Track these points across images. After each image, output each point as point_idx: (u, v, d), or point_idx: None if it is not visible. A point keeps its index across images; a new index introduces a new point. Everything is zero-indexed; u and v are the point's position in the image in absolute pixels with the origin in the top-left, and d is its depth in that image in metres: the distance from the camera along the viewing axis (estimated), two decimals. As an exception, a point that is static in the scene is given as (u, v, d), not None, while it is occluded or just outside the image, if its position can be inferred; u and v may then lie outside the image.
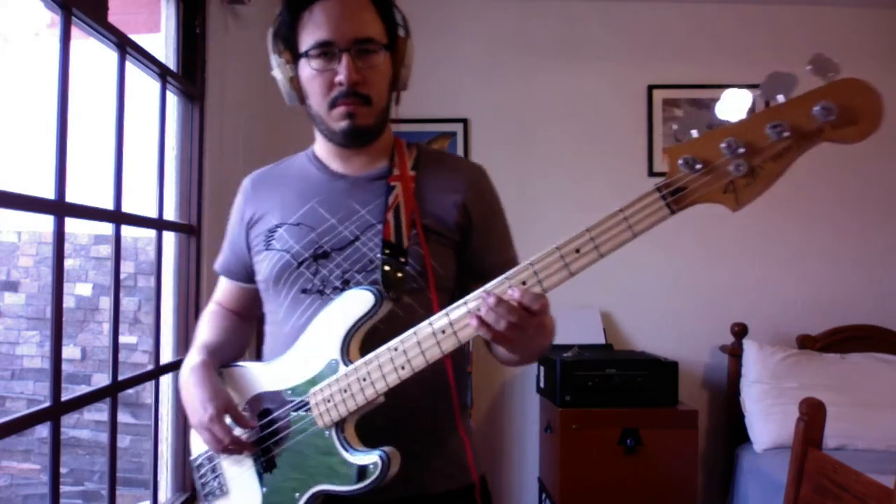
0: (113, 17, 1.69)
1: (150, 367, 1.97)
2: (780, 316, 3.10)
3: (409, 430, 1.07)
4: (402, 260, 1.09)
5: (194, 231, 2.15)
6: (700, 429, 2.76)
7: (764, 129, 0.78)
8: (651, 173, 3.11)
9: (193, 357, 1.17)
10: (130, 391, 2.60)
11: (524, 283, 0.89)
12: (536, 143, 3.12)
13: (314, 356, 1.05)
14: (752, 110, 0.80)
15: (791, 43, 3.09)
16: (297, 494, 1.05)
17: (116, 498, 1.75)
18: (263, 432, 1.10)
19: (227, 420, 1.08)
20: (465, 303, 0.93)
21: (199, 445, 1.20)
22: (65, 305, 1.53)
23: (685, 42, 3.15)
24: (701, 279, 3.11)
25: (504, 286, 0.90)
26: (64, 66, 1.46)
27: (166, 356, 2.07)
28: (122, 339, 3.28)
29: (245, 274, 1.25)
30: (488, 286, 0.91)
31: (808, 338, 3.01)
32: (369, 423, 1.03)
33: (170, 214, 2.09)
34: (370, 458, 0.98)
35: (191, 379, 1.13)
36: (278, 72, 1.15)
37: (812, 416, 1.44)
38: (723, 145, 0.80)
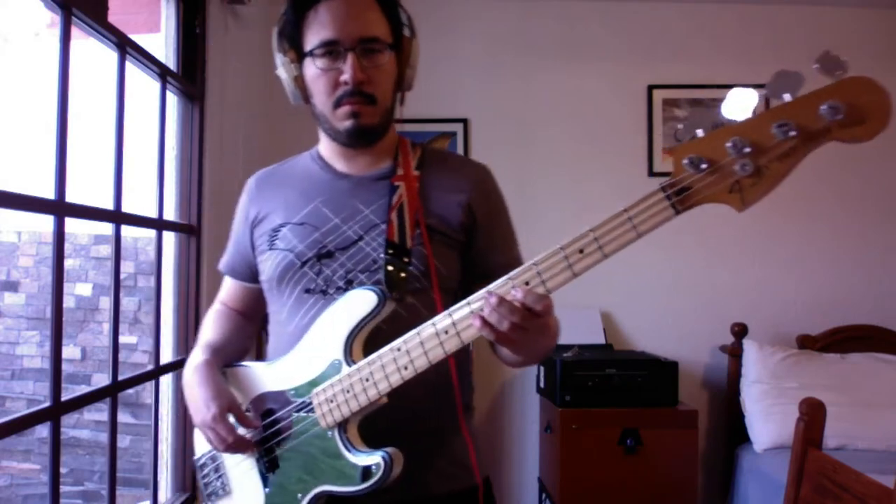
0: (113, 17, 1.69)
1: (150, 367, 1.97)
2: (780, 316, 3.09)
3: (412, 430, 1.06)
4: (406, 260, 1.08)
5: (194, 231, 2.15)
6: (700, 429, 2.75)
7: (770, 128, 0.77)
8: (651, 173, 3.11)
9: (197, 356, 1.17)
10: (130, 391, 2.60)
11: (527, 283, 0.89)
12: (536, 143, 3.12)
13: (317, 356, 1.05)
14: (765, 107, 0.79)
15: (791, 43, 3.09)
16: (299, 495, 1.05)
17: (116, 498, 1.75)
18: (266, 432, 1.10)
19: (231, 420, 1.08)
20: (469, 303, 0.93)
21: (202, 445, 1.20)
22: (65, 305, 1.53)
23: (685, 42, 3.15)
24: (701, 279, 3.11)
25: (507, 286, 0.89)
26: (64, 66, 1.46)
27: (166, 356, 2.07)
28: (122, 339, 3.28)
29: (249, 273, 1.25)
30: (491, 286, 0.91)
31: (808, 338, 3.01)
32: (372, 424, 1.03)
33: (170, 214, 2.09)
34: (373, 458, 0.98)
35: (194, 378, 1.12)
36: (283, 71, 1.15)
37: (812, 416, 1.44)
38: (728, 145, 0.79)
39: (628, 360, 2.65)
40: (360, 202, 1.13)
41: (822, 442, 1.44)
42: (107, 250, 3.51)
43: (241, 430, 1.10)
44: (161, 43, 2.11)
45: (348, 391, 1.00)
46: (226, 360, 1.19)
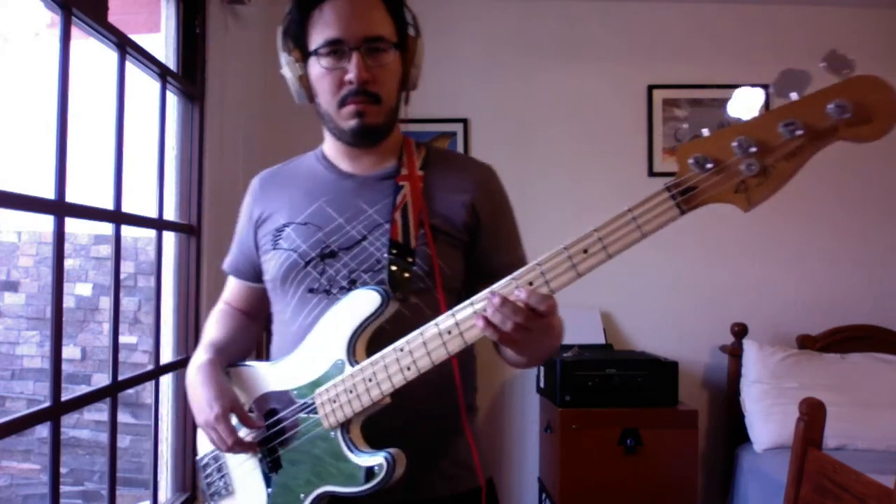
0: (113, 17, 1.69)
1: (150, 367, 1.97)
2: (780, 316, 3.09)
3: (415, 431, 1.06)
4: (410, 260, 1.08)
5: (194, 231, 2.15)
6: (700, 429, 2.75)
7: (776, 127, 0.76)
8: (651, 173, 3.11)
9: (200, 356, 1.17)
10: (130, 391, 2.60)
11: (531, 283, 0.88)
12: (536, 143, 3.12)
13: (320, 356, 1.05)
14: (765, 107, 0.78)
15: (791, 43, 3.09)
16: (302, 495, 1.05)
17: (116, 498, 1.75)
18: (269, 432, 1.10)
19: (233, 420, 1.08)
20: (472, 303, 0.92)
21: (205, 445, 1.20)
22: (65, 305, 1.53)
23: (685, 42, 3.15)
24: (701, 279, 3.11)
25: (511, 287, 0.89)
26: (64, 66, 1.46)
27: (166, 356, 2.07)
28: (122, 339, 3.28)
29: (253, 273, 1.25)
30: (495, 287, 0.90)
31: (808, 338, 3.01)
32: (375, 425, 1.02)
33: (170, 214, 2.09)
34: (375, 459, 0.98)
35: (197, 378, 1.12)
36: (287, 70, 1.14)
37: (812, 416, 1.44)
38: (734, 144, 0.78)
39: (628, 360, 2.65)
40: (364, 202, 1.13)
41: (822, 442, 1.44)
42: (107, 250, 3.51)
43: (244, 431, 1.10)
44: (161, 43, 2.11)
45: (351, 391, 0.99)
46: (229, 359, 1.19)
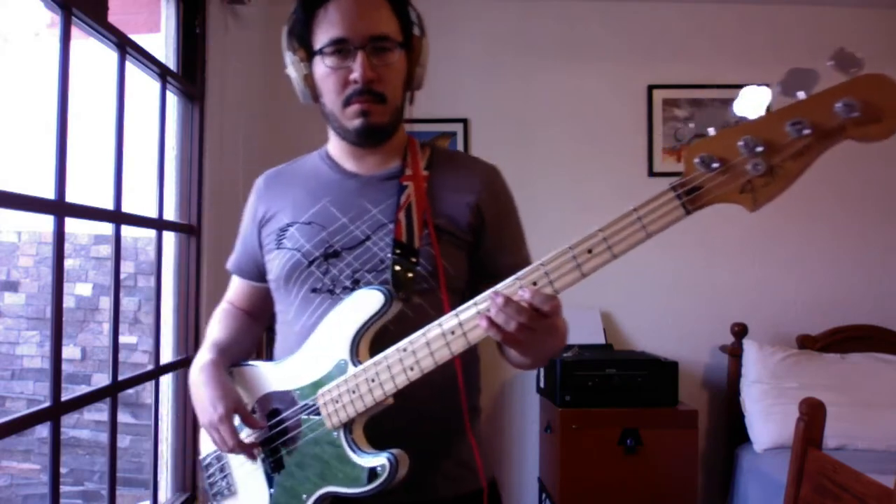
0: (113, 17, 1.69)
1: (150, 367, 1.97)
2: (780, 316, 3.09)
3: (418, 432, 1.06)
4: (413, 260, 1.08)
5: (194, 231, 2.15)
6: (700, 429, 2.75)
7: (783, 126, 0.75)
8: (651, 173, 3.11)
9: (203, 356, 1.16)
10: (130, 391, 2.60)
11: (535, 283, 0.87)
12: (536, 143, 3.12)
13: (323, 356, 1.04)
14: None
15: (791, 43, 3.09)
16: (304, 496, 1.05)
17: (116, 498, 1.75)
18: (272, 432, 1.10)
19: (236, 420, 1.08)
20: (475, 303, 0.92)
21: (208, 445, 1.20)
22: (65, 305, 1.53)
23: (685, 42, 3.15)
24: (701, 279, 3.11)
25: (515, 287, 0.88)
26: (64, 66, 1.46)
27: (166, 356, 2.07)
28: (122, 339, 3.28)
29: (257, 273, 1.25)
30: (499, 287, 0.90)
31: (808, 338, 3.01)
32: (378, 425, 1.02)
33: (170, 214, 2.09)
34: (378, 460, 0.97)
35: (200, 378, 1.12)
36: (292, 70, 1.14)
37: (812, 416, 1.44)
38: (740, 143, 0.77)
39: (628, 360, 2.65)
40: (368, 202, 1.13)
41: (822, 442, 1.44)
42: (107, 250, 3.51)
43: (247, 431, 1.10)
44: (161, 43, 2.11)
45: (354, 392, 0.99)
46: (232, 359, 1.19)
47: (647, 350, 3.00)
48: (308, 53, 1.11)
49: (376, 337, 1.02)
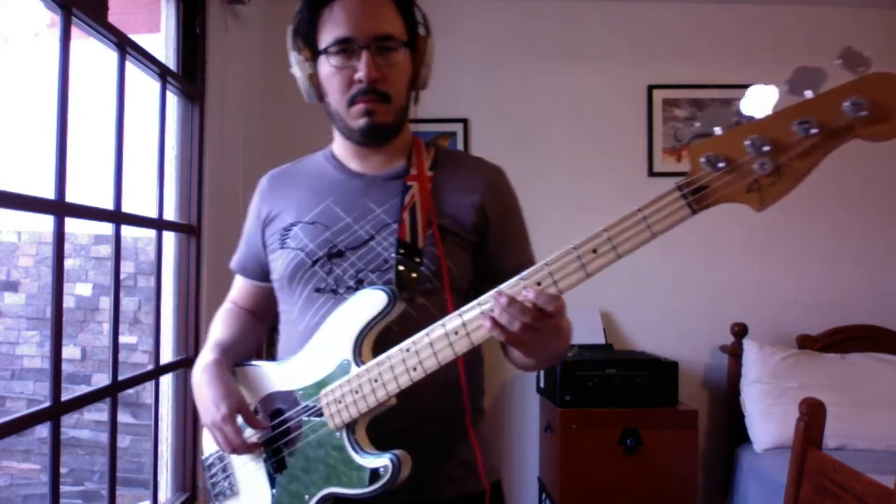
0: (113, 17, 1.69)
1: (150, 367, 1.97)
2: (780, 316, 3.09)
3: (421, 432, 1.05)
4: (417, 260, 1.07)
5: (194, 231, 2.15)
6: (700, 429, 2.75)
7: (791, 125, 0.75)
8: (651, 173, 3.11)
9: (206, 355, 1.16)
10: (130, 391, 2.60)
11: (539, 283, 0.87)
12: (536, 143, 3.12)
13: (326, 356, 1.04)
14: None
15: (791, 43, 3.09)
16: (306, 496, 1.04)
17: (116, 498, 1.75)
18: (274, 432, 1.09)
19: (239, 419, 1.08)
20: (479, 304, 0.91)
21: (210, 445, 1.20)
22: (65, 305, 1.53)
23: (685, 42, 3.15)
24: (701, 279, 3.11)
25: (519, 287, 0.88)
26: (64, 66, 1.46)
27: (166, 356, 2.07)
28: (122, 339, 3.27)
29: (260, 272, 1.24)
30: (503, 287, 0.89)
31: (808, 338, 3.01)
32: (381, 426, 1.02)
33: (170, 214, 2.09)
34: (381, 461, 0.97)
35: (203, 377, 1.12)
36: (297, 69, 1.14)
37: (812, 416, 1.44)
38: (747, 143, 0.76)
39: (628, 360, 2.65)
40: (373, 201, 1.13)
41: (822, 442, 1.44)
42: (107, 250, 3.51)
43: (249, 431, 1.09)
44: (161, 43, 2.11)
45: (357, 392, 0.99)
46: (236, 359, 1.19)
47: (647, 350, 3.00)
48: (313, 53, 1.11)
49: (379, 337, 1.02)
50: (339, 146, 1.20)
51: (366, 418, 1.01)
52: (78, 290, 3.56)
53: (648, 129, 3.12)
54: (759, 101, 0.77)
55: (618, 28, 3.15)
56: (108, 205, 1.73)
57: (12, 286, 3.59)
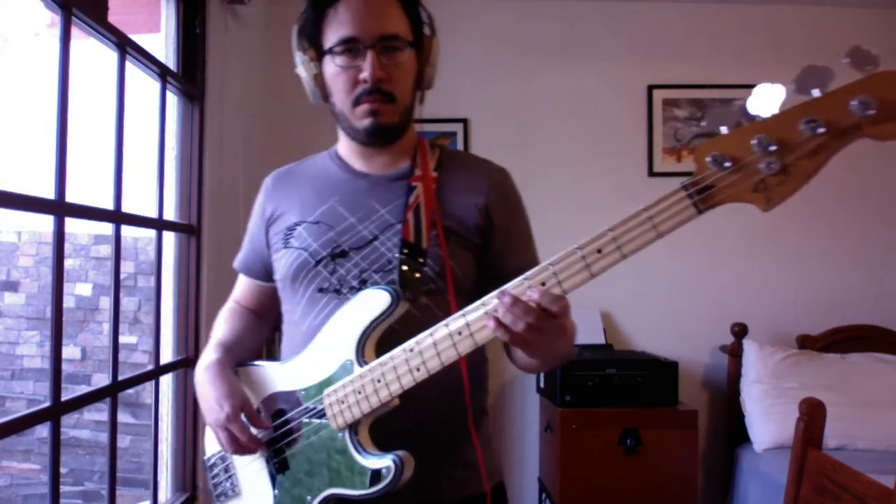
0: (113, 17, 1.69)
1: (150, 367, 1.97)
2: (780, 316, 3.09)
3: (424, 433, 1.05)
4: (421, 260, 1.07)
5: (194, 231, 2.15)
6: (700, 429, 2.75)
7: (798, 124, 0.74)
8: (651, 173, 3.11)
9: (209, 355, 1.16)
10: (130, 391, 2.60)
11: (543, 283, 0.87)
12: (536, 143, 3.12)
13: (329, 356, 1.04)
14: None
15: (791, 43, 3.08)
16: (309, 497, 1.04)
17: (116, 498, 1.75)
18: (277, 433, 1.09)
19: (242, 419, 1.08)
20: (483, 304, 0.91)
21: (212, 445, 1.19)
22: (65, 305, 1.53)
23: (685, 42, 3.15)
24: (701, 279, 3.11)
25: (523, 287, 0.88)
26: (64, 66, 1.46)
27: (166, 356, 2.07)
28: (122, 339, 3.27)
29: (264, 272, 1.24)
30: (507, 287, 0.89)
31: (808, 338, 3.01)
32: (384, 426, 1.01)
33: (170, 214, 2.09)
34: (383, 461, 0.97)
35: (206, 376, 1.12)
36: (302, 69, 1.14)
37: (812, 416, 1.44)
38: (753, 142, 0.76)
39: (628, 360, 2.65)
40: (377, 202, 1.12)
41: (822, 442, 1.44)
42: (107, 250, 3.51)
43: (252, 431, 1.09)
44: (161, 43, 2.11)
45: (360, 392, 0.99)
46: (238, 358, 1.19)
47: (647, 350, 3.00)
48: (318, 53, 1.11)
49: (383, 337, 1.02)
50: (344, 146, 1.20)
51: (368, 419, 1.00)
52: (78, 290, 3.56)
53: (648, 129, 3.12)
54: (766, 99, 0.76)
55: (618, 28, 3.15)
56: (108, 205, 1.72)
57: (12, 286, 3.60)
